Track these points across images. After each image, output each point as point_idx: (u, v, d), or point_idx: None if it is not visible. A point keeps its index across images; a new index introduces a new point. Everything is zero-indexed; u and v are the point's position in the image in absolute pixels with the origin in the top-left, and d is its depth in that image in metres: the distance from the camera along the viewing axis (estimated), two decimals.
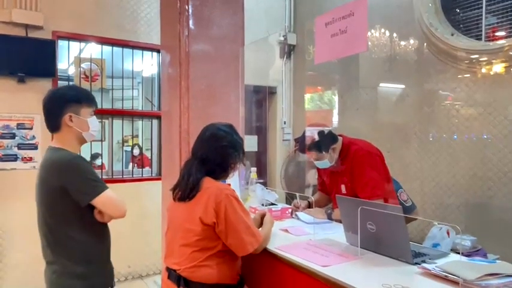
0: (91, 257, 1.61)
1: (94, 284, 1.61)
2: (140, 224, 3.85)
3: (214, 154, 1.62)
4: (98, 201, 1.55)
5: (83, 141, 1.70)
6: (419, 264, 1.43)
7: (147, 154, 4.82)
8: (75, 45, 3.93)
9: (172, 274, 1.60)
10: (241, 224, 1.54)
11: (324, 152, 2.22)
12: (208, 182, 1.59)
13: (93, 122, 1.69)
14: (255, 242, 1.57)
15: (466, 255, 1.80)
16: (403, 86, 3.75)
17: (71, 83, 3.91)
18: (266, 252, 1.67)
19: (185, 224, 1.58)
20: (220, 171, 1.64)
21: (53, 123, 1.64)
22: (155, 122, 4.39)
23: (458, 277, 1.24)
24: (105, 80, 4.02)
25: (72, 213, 1.56)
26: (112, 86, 4.10)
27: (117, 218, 1.61)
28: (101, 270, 1.66)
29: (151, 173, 4.37)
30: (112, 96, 4.11)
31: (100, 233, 1.66)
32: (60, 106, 1.63)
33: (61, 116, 1.62)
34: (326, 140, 2.21)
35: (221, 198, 1.52)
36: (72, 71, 4.00)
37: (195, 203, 1.56)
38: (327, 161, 2.25)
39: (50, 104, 1.64)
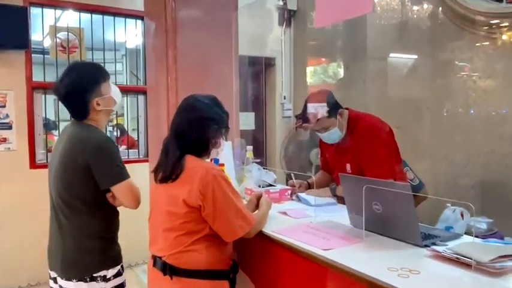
0: (105, 234, 1.78)
1: (109, 258, 1.77)
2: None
3: (189, 127, 1.59)
4: (117, 188, 1.69)
5: (110, 115, 1.88)
6: (429, 246, 1.44)
7: (134, 135, 4.81)
8: (50, 13, 3.86)
9: (157, 262, 1.60)
10: (230, 206, 1.54)
11: (332, 117, 2.16)
12: (192, 161, 1.58)
13: (116, 93, 1.83)
14: (246, 225, 1.57)
15: (482, 238, 1.82)
16: (415, 56, 3.73)
17: (47, 56, 3.86)
18: (262, 235, 1.68)
19: (167, 207, 1.57)
20: (200, 147, 1.62)
21: (81, 113, 1.76)
22: (141, 98, 4.36)
23: (471, 259, 1.25)
24: (84, 52, 3.96)
25: (91, 192, 1.70)
26: (92, 58, 4.05)
27: (128, 207, 1.75)
28: (114, 246, 1.82)
29: (139, 155, 4.37)
30: None
31: (113, 212, 1.82)
32: (83, 96, 1.73)
33: (87, 105, 1.74)
34: (331, 102, 2.16)
35: (208, 180, 1.51)
36: (47, 42, 3.94)
37: (178, 184, 1.55)
38: (336, 130, 2.18)
39: (71, 97, 1.74)
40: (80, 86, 1.73)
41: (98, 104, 1.75)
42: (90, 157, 1.65)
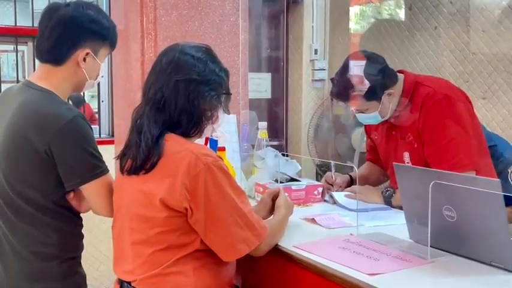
0: (68, 252, 1.78)
1: (74, 285, 1.80)
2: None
3: (175, 93, 1.59)
4: (89, 188, 1.70)
5: (78, 88, 1.90)
6: None
7: (94, 104, 4.84)
8: None
9: None
10: (230, 210, 1.54)
11: (373, 101, 2.23)
12: (175, 143, 1.58)
13: (103, 69, 1.94)
14: (255, 238, 1.58)
15: None
16: None
17: None
18: (278, 252, 1.69)
19: (139, 209, 1.58)
20: (188, 123, 1.61)
21: (59, 53, 1.76)
22: None
23: None
24: None
25: (51, 192, 1.70)
26: None
27: (99, 214, 1.78)
28: (78, 268, 1.84)
29: (100, 133, 4.41)
30: (32, 9, 4.08)
31: (76, 220, 1.84)
32: (79, 34, 1.76)
33: (75, 48, 1.76)
34: (376, 80, 2.20)
35: (198, 171, 1.51)
36: None
37: (153, 176, 1.56)
38: (376, 114, 2.25)
39: (64, 26, 1.75)
40: (86, 22, 1.76)
41: (84, 59, 1.77)
42: (54, 142, 1.64)
